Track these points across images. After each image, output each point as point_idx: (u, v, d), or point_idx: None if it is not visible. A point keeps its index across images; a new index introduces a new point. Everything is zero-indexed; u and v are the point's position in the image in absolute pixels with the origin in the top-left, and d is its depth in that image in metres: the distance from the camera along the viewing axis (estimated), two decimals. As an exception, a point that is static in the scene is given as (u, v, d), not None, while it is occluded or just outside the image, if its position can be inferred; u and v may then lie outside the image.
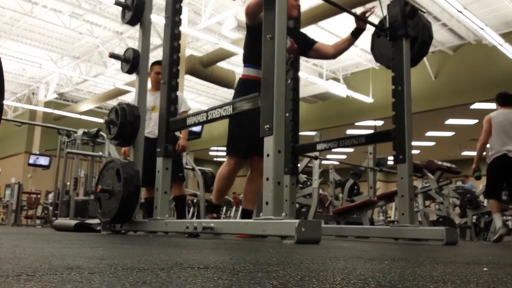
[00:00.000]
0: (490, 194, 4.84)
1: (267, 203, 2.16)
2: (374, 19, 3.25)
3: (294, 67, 3.85)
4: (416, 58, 3.25)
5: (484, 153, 5.14)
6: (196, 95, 16.06)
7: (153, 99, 3.97)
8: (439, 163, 5.58)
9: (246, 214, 3.22)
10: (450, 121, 13.93)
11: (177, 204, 4.25)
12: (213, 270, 0.82)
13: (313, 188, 5.53)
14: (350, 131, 14.17)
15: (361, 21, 3.14)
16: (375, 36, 3.55)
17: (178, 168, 4.15)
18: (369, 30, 3.51)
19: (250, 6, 2.84)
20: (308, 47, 3.29)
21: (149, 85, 3.96)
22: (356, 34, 3.17)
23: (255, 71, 2.96)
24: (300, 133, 3.97)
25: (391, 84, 3.18)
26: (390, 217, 10.85)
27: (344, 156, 18.26)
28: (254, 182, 3.17)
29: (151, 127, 3.96)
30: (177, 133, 4.02)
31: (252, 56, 3.01)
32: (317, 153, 5.03)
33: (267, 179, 2.18)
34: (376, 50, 3.53)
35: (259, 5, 2.62)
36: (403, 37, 3.14)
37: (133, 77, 3.39)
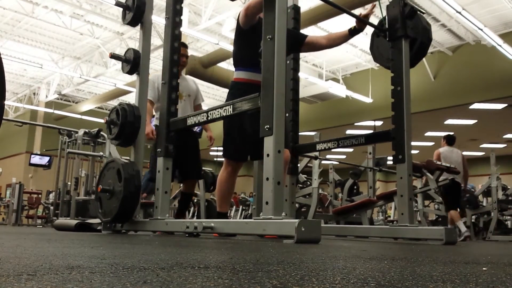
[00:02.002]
0: (449, 208, 6.02)
1: (267, 202, 2.17)
2: (373, 19, 3.25)
3: (293, 67, 3.86)
4: (414, 59, 3.25)
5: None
6: (196, 95, 16.05)
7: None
8: (438, 163, 5.59)
9: None
10: (449, 121, 13.93)
11: (182, 200, 4.10)
12: (213, 270, 0.83)
13: (313, 188, 5.53)
14: (349, 131, 14.17)
15: (362, 23, 3.13)
16: (374, 35, 3.55)
17: (199, 166, 4.08)
18: (368, 34, 3.52)
19: (250, 7, 2.81)
20: (300, 43, 3.26)
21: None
22: (353, 33, 3.16)
23: (246, 74, 2.98)
24: (300, 133, 3.97)
25: (391, 85, 3.19)
26: (389, 216, 10.86)
27: (344, 156, 18.26)
28: None
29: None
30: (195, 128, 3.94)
31: (242, 59, 3.03)
32: (316, 153, 5.04)
33: (267, 179, 2.18)
34: (375, 50, 3.54)
35: (259, 6, 2.61)
36: (402, 38, 3.14)
37: (134, 77, 3.40)
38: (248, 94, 2.43)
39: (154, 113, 3.98)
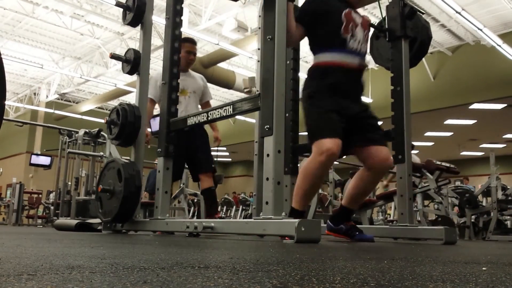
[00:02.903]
0: None
1: (267, 202, 2.17)
2: (373, 19, 3.24)
3: (293, 67, 3.86)
4: (415, 58, 3.25)
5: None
6: (197, 95, 16.07)
7: (181, 81, 3.64)
8: (438, 163, 5.58)
9: (346, 213, 2.74)
10: (449, 121, 13.93)
11: (206, 198, 3.94)
12: (213, 270, 0.83)
13: (313, 188, 5.52)
14: (350, 131, 14.16)
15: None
16: (374, 38, 3.54)
17: (210, 159, 3.92)
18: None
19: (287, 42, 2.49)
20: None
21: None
22: None
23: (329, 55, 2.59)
24: (300, 133, 3.97)
25: (390, 85, 3.19)
26: (389, 216, 10.85)
27: (343, 156, 18.23)
28: (364, 181, 2.62)
29: (180, 113, 3.50)
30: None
31: (318, 43, 2.65)
32: (317, 153, 5.03)
33: (267, 179, 2.19)
34: (375, 52, 3.53)
35: (289, 34, 2.40)
36: (402, 38, 3.14)
37: (134, 77, 3.40)
38: (332, 78, 2.45)
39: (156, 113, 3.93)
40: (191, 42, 3.99)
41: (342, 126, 2.45)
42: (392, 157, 2.66)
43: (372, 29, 3.37)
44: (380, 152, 2.55)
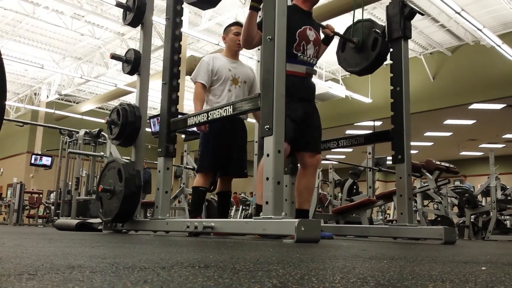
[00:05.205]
0: None
1: (267, 202, 2.17)
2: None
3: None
4: (376, 64, 3.32)
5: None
6: (197, 96, 16.06)
7: (232, 68, 3.51)
8: (438, 163, 5.58)
9: (303, 215, 3.01)
10: (448, 122, 13.93)
11: (220, 202, 3.76)
12: (213, 269, 0.83)
13: (313, 188, 5.52)
14: (349, 131, 14.17)
15: (328, 30, 3.17)
16: (339, 51, 3.58)
17: (242, 163, 3.65)
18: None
19: (242, 44, 3.04)
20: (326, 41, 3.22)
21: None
22: (326, 41, 3.21)
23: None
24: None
25: (390, 85, 3.19)
26: (388, 215, 10.86)
27: (343, 156, 18.25)
28: (307, 177, 3.05)
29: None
30: None
31: None
32: (317, 153, 5.03)
33: (267, 178, 2.19)
34: (343, 63, 3.59)
35: (246, 39, 2.86)
36: (402, 39, 3.15)
37: (135, 78, 3.40)
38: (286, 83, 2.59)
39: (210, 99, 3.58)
40: (238, 24, 3.69)
41: (292, 133, 2.82)
42: (320, 157, 3.16)
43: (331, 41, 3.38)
44: (312, 154, 3.04)
